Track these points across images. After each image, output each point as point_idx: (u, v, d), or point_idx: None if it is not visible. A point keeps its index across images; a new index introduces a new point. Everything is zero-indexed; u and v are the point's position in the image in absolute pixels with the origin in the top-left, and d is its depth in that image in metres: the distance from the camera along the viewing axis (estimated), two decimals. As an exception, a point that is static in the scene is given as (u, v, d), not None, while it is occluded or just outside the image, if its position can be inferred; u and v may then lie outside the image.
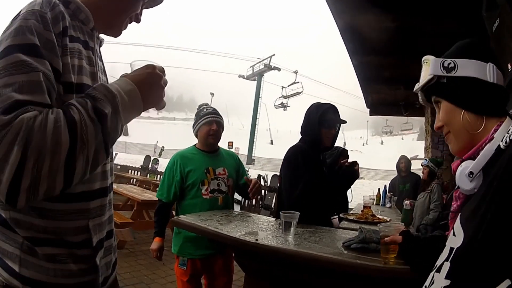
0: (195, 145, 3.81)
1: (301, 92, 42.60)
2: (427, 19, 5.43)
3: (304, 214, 2.70)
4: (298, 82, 43.58)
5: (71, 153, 1.06)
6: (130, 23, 1.59)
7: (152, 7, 1.71)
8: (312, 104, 3.65)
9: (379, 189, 6.65)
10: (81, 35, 1.41)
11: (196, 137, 3.77)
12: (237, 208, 12.05)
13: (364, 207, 4.77)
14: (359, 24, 6.00)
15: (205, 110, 3.75)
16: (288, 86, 43.63)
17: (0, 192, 1.00)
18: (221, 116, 3.79)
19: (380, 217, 4.27)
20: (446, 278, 0.96)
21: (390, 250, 1.99)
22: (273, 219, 3.38)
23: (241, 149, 43.05)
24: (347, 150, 5.59)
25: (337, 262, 2.05)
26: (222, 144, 3.88)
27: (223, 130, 3.79)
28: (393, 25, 5.76)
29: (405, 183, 7.83)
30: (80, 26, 1.41)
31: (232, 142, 32.87)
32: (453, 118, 1.41)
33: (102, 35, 1.60)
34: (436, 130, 1.51)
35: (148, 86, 1.33)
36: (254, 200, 13.10)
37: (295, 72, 44.20)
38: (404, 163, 8.09)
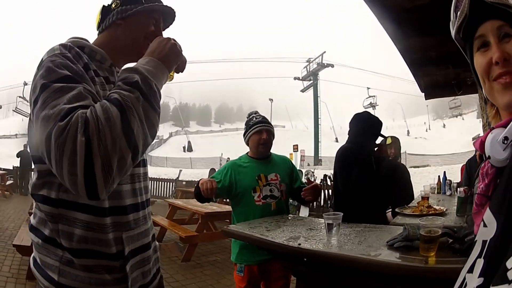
0: (247, 153, 3.85)
1: (376, 103, 43.31)
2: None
3: (358, 207, 2.94)
4: (374, 96, 43.95)
5: (124, 119, 1.20)
6: (151, 41, 1.63)
7: (167, 18, 1.84)
8: (366, 115, 4.03)
9: (439, 176, 6.36)
10: (101, 72, 1.57)
11: (248, 145, 3.80)
12: (305, 210, 12.02)
13: (422, 198, 4.52)
14: (392, 5, 5.82)
15: (254, 119, 3.77)
16: (366, 98, 43.78)
17: (79, 187, 1.14)
18: (271, 124, 3.80)
19: (437, 207, 4.00)
20: (479, 276, 0.80)
21: (430, 248, 1.92)
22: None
23: (307, 151, 42.88)
24: (394, 139, 5.70)
25: (375, 263, 1.99)
26: (288, 148, 4.01)
27: (274, 137, 3.78)
28: (426, 2, 5.55)
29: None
30: (99, 65, 1.58)
31: (297, 145, 32.85)
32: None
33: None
34: (498, 61, 0.96)
35: (160, 50, 1.49)
36: (322, 200, 13.00)
37: (368, 88, 44.47)
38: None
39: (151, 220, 1.81)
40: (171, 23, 1.88)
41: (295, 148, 31.75)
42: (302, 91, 50.88)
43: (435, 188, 6.15)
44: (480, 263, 0.82)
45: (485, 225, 0.86)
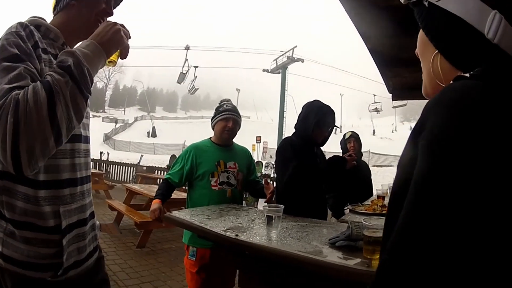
0: (210, 138, 3.98)
1: (380, 109, 43.98)
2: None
3: (295, 200, 2.94)
4: (379, 102, 44.68)
5: (50, 103, 1.27)
6: (103, 21, 1.76)
7: (120, 2, 1.91)
8: (313, 103, 3.91)
9: (399, 176, 6.36)
10: (52, 49, 1.65)
11: (213, 130, 3.92)
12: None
13: (378, 197, 4.51)
14: (366, 6, 5.71)
15: (225, 106, 3.89)
16: (371, 103, 44.28)
17: (7, 161, 1.23)
18: (239, 115, 3.92)
19: None
20: None
21: (375, 250, 1.76)
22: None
23: (270, 143, 43.25)
24: (354, 134, 5.88)
25: (309, 262, 1.89)
26: (251, 138, 3.98)
27: (239, 128, 3.92)
28: (400, 3, 5.45)
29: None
30: (51, 43, 1.67)
31: (260, 137, 32.93)
32: (426, 53, 1.12)
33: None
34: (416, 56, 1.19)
35: (103, 34, 1.56)
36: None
37: (374, 95, 45.16)
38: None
39: (90, 197, 1.86)
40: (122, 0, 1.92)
41: (258, 139, 31.88)
42: (271, 72, 51.00)
43: (394, 188, 6.04)
44: None
45: None
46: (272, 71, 50.32)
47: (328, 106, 3.87)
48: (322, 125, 3.74)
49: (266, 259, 2.19)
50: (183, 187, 9.65)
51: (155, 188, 10.29)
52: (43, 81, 1.32)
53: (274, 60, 49.63)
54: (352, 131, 5.95)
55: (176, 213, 3.05)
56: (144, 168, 19.24)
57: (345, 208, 4.57)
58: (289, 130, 55.71)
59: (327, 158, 4.01)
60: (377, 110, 48.09)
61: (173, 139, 59.06)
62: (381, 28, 6.40)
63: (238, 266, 2.89)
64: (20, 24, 1.53)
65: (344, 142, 5.81)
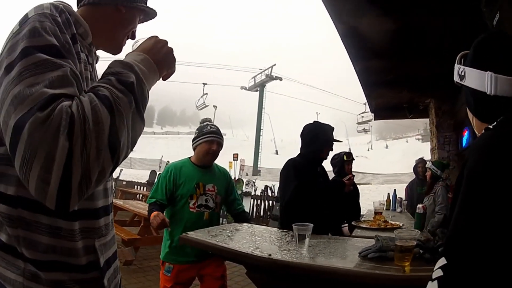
0: (190, 158, 3.86)
1: (371, 119, 44.03)
2: (429, 17, 5.36)
3: (297, 218, 2.79)
4: (368, 112, 45.00)
5: (113, 126, 0.99)
6: (127, 39, 1.55)
7: (146, 21, 1.68)
8: (316, 123, 4.06)
9: (388, 193, 6.58)
10: (82, 48, 1.34)
11: (194, 150, 3.82)
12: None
13: (376, 213, 4.73)
14: (359, 28, 5.92)
15: (209, 127, 3.78)
16: (359, 114, 44.14)
17: (48, 197, 0.91)
18: (222, 137, 3.86)
19: (393, 222, 4.21)
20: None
21: (405, 258, 1.98)
22: (281, 230, 3.40)
23: (247, 161, 43.09)
24: (349, 153, 5.88)
25: (355, 274, 2.01)
26: (227, 156, 3.96)
27: (221, 149, 3.84)
28: (394, 27, 5.68)
29: (422, 185, 7.67)
30: (80, 40, 1.33)
31: (237, 154, 32.80)
32: (471, 119, 1.47)
33: (99, 52, 1.57)
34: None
35: (157, 50, 1.28)
36: (262, 211, 13.14)
37: (364, 104, 45.40)
38: (421, 166, 7.97)
39: (113, 225, 1.57)
40: (149, 20, 1.71)
41: (235, 156, 31.74)
42: (249, 89, 50.89)
43: (383, 205, 6.34)
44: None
45: None
46: (250, 89, 50.54)
47: (330, 125, 4.03)
48: (331, 142, 3.90)
49: (303, 276, 2.25)
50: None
51: (139, 204, 10.18)
52: (99, 95, 1.01)
53: (252, 78, 49.82)
54: (347, 153, 5.97)
55: (192, 234, 2.99)
56: (124, 182, 18.99)
57: (342, 226, 4.74)
58: (265, 148, 55.97)
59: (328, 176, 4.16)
60: (365, 131, 48.88)
61: (150, 154, 58.62)
62: (371, 50, 6.67)
63: (262, 287, 2.79)
64: (55, 6, 1.21)
65: (341, 162, 5.81)
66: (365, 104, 42.77)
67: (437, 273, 1.06)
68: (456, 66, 1.42)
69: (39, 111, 0.91)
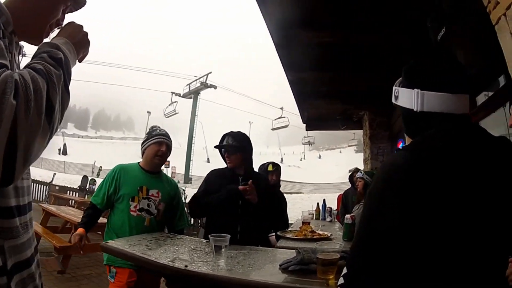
0: (139, 163, 3.86)
1: (288, 125, 43.66)
2: (369, 34, 5.39)
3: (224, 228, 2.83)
4: (284, 117, 44.71)
5: (49, 94, 1.07)
6: (51, 31, 1.52)
7: (74, 11, 1.65)
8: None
9: (317, 203, 6.58)
10: (2, 36, 1.24)
11: (142, 155, 3.82)
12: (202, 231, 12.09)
13: (303, 223, 4.67)
14: (295, 39, 5.90)
15: (158, 130, 3.85)
16: (275, 119, 44.00)
17: None
18: (171, 140, 3.90)
19: (321, 232, 4.09)
20: None
21: (329, 271, 1.94)
22: (204, 240, 3.30)
23: (178, 168, 42.98)
24: (275, 163, 5.86)
25: (273, 287, 1.96)
26: None
27: (169, 154, 3.88)
28: (332, 40, 5.70)
29: (358, 195, 7.79)
30: (2, 28, 1.24)
31: (168, 161, 32.60)
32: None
33: (22, 43, 1.52)
34: None
35: (74, 34, 1.42)
36: (192, 219, 13.03)
37: (281, 108, 45.11)
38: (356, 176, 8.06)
39: (33, 228, 1.43)
40: (78, 10, 1.66)
41: (167, 164, 31.57)
42: (183, 96, 50.73)
43: (313, 214, 6.36)
44: None
45: None
46: (184, 96, 50.46)
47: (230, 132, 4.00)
48: (219, 148, 3.87)
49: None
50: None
51: (71, 210, 10.07)
52: (34, 68, 1.08)
53: (187, 85, 49.82)
54: (273, 163, 5.91)
55: (112, 242, 2.95)
56: (57, 187, 18.45)
57: (269, 235, 4.66)
58: (197, 155, 55.97)
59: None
60: (310, 143, 50.04)
61: (84, 159, 58.02)
62: (305, 62, 6.66)
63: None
64: None
65: (265, 172, 5.68)
66: (281, 108, 43.63)
67: (340, 281, 1.24)
68: (393, 88, 1.57)
69: None
